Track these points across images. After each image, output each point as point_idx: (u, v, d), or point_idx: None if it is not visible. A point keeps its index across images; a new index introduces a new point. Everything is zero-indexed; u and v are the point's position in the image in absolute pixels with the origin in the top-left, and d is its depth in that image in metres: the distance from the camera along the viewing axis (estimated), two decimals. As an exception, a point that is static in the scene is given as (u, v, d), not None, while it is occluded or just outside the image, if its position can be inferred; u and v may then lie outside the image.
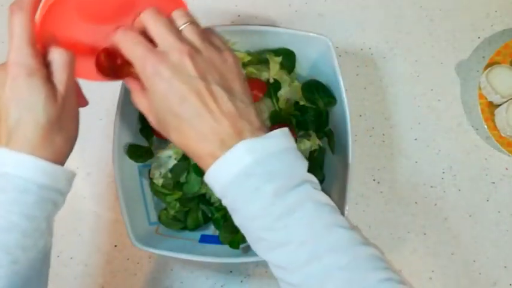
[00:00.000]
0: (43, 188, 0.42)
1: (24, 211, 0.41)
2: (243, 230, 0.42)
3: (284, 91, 0.63)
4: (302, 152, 0.62)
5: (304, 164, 0.42)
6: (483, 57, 0.72)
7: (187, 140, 0.42)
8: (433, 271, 0.68)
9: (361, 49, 0.72)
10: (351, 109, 0.58)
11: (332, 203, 0.41)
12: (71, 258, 0.66)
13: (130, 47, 0.42)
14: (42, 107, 0.42)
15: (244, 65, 0.63)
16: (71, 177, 0.45)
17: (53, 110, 0.42)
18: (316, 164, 0.63)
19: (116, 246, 0.66)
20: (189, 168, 0.61)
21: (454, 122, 0.71)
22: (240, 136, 0.40)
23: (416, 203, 0.69)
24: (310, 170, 0.61)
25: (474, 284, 0.68)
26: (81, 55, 0.47)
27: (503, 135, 0.68)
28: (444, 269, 0.68)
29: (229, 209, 0.42)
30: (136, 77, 0.45)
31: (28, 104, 0.42)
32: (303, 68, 0.65)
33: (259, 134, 0.41)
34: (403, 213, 0.69)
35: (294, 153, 0.42)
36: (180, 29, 0.43)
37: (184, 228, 0.62)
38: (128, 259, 0.66)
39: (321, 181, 0.64)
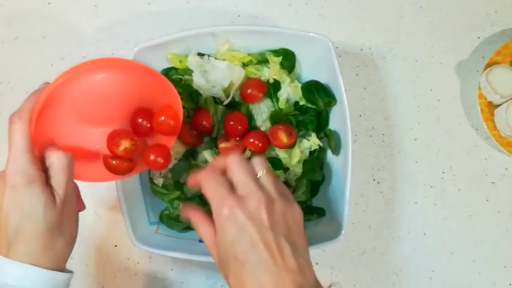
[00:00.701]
0: None
1: None
2: None
3: (284, 91, 0.63)
4: (301, 151, 0.62)
5: None
6: (483, 57, 0.73)
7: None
8: (433, 271, 0.68)
9: (361, 49, 0.72)
10: (351, 109, 0.58)
11: None
12: (71, 258, 0.65)
13: (212, 186, 0.44)
14: (42, 215, 0.42)
15: (244, 65, 0.63)
16: (70, 277, 0.46)
17: (52, 216, 0.43)
18: (316, 164, 0.63)
19: (116, 246, 0.66)
20: (190, 168, 0.61)
21: (454, 122, 0.71)
22: None
23: (416, 202, 0.69)
24: (310, 170, 0.62)
25: (474, 283, 0.68)
26: (80, 158, 0.49)
27: (503, 135, 0.68)
28: (444, 269, 0.68)
29: None
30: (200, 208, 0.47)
31: (28, 213, 0.42)
32: (303, 68, 0.65)
33: None
34: (402, 213, 0.69)
35: None
36: (258, 176, 0.45)
37: (187, 228, 0.62)
38: (128, 259, 0.66)
39: (321, 181, 0.64)
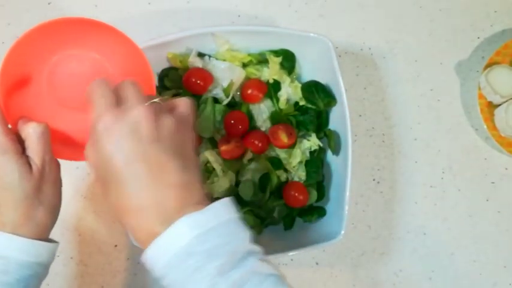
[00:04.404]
0: (25, 267, 0.42)
1: None
2: None
3: (284, 91, 0.63)
4: (302, 152, 0.62)
5: (247, 235, 0.40)
6: (483, 57, 0.73)
7: (124, 208, 0.39)
8: (433, 271, 0.68)
9: (361, 49, 0.72)
10: (351, 109, 0.58)
11: (276, 272, 0.39)
12: (71, 258, 0.66)
13: (96, 98, 0.41)
14: (18, 183, 0.42)
15: (244, 65, 0.63)
16: (54, 248, 0.46)
17: (29, 185, 0.43)
18: (315, 164, 0.63)
19: (116, 246, 0.66)
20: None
21: (454, 122, 0.71)
22: (183, 210, 0.38)
23: (416, 203, 0.69)
24: (314, 173, 0.62)
25: (474, 284, 0.68)
26: (64, 140, 0.48)
27: (502, 135, 0.68)
28: (444, 269, 0.68)
29: None
30: None
31: (4, 182, 0.42)
32: (303, 68, 0.65)
33: (201, 207, 0.38)
34: (402, 213, 0.69)
35: (234, 225, 0.39)
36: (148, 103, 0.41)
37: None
38: (128, 259, 0.66)
39: (321, 181, 0.64)
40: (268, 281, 0.38)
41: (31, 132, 0.43)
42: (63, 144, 0.49)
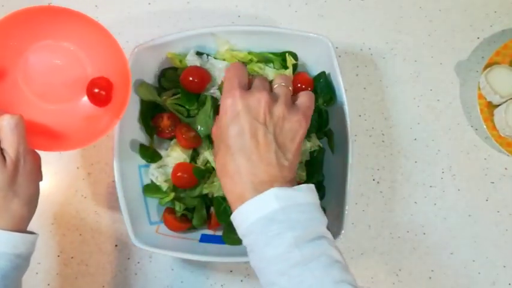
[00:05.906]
0: (1, 258, 0.43)
1: None
2: (257, 271, 0.43)
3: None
4: (302, 152, 0.62)
5: (324, 221, 0.44)
6: (482, 57, 0.73)
7: (225, 171, 0.45)
8: (432, 271, 0.68)
9: (361, 49, 0.72)
10: (351, 109, 0.59)
11: (343, 261, 0.43)
12: (72, 257, 0.66)
13: (230, 76, 0.48)
14: None
15: (245, 64, 0.63)
16: (33, 240, 0.46)
17: (3, 178, 0.43)
18: (316, 164, 0.63)
19: (116, 245, 0.66)
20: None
21: (454, 122, 0.71)
22: (270, 184, 0.43)
23: (415, 202, 0.69)
24: (315, 173, 0.62)
25: (473, 283, 0.68)
26: (41, 131, 0.48)
27: (502, 135, 0.68)
28: (443, 268, 0.68)
29: (248, 249, 0.44)
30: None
31: None
32: (303, 68, 0.65)
33: (289, 185, 0.44)
34: (402, 213, 0.69)
35: (317, 209, 0.44)
36: (274, 86, 0.49)
37: (191, 227, 0.62)
38: (129, 259, 0.66)
39: (321, 181, 0.64)
40: (335, 266, 0.41)
41: (5, 124, 0.44)
42: (40, 135, 0.48)
